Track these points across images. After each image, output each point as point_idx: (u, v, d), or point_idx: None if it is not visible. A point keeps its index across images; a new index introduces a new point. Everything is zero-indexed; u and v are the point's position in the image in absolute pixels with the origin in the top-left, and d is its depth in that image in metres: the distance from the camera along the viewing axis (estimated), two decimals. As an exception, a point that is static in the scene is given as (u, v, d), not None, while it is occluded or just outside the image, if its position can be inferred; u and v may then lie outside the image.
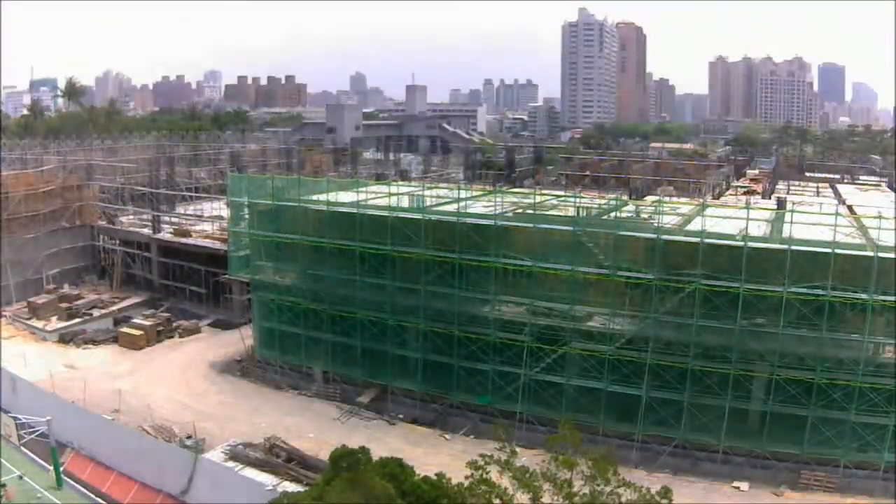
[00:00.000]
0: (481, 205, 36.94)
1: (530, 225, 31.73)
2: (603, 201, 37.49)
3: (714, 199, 54.28)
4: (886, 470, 27.90)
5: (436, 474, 20.09)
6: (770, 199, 55.73)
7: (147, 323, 45.15)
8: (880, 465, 28.02)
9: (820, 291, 26.87)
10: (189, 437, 30.54)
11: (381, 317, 34.76)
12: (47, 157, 67.39)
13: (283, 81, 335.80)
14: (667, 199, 44.87)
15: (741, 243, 27.94)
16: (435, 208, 34.94)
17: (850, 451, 28.02)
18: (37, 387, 34.32)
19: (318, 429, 32.74)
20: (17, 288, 49.71)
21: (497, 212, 33.92)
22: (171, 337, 45.35)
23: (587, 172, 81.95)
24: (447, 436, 32.91)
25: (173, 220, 56.50)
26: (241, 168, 71.43)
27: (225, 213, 45.08)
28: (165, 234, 53.11)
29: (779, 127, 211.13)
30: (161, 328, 45.23)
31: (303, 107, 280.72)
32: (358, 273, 34.75)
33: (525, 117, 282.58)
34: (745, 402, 29.24)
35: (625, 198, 44.36)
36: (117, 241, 55.50)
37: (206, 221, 54.51)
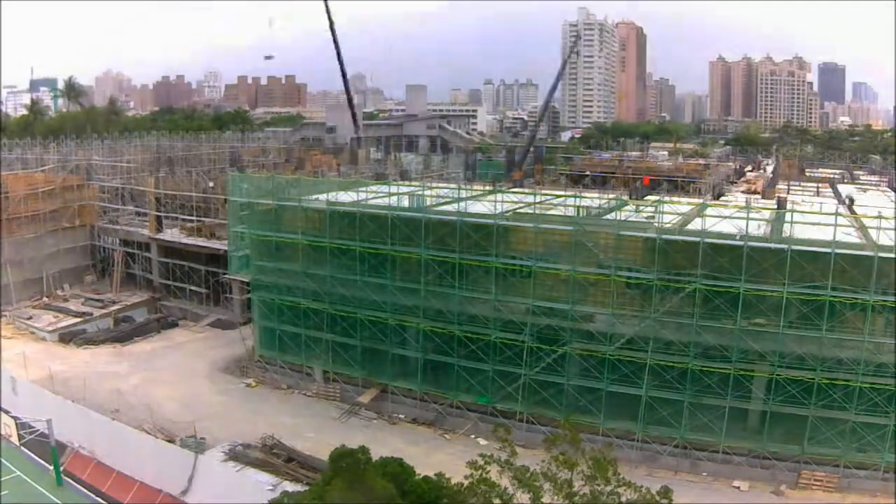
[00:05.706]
0: (481, 204, 36.91)
1: (530, 225, 31.74)
2: (603, 201, 37.46)
3: (714, 199, 54.19)
4: (886, 470, 27.91)
5: (436, 474, 20.10)
6: (770, 199, 55.61)
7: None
8: (880, 465, 28.05)
9: (820, 291, 26.90)
10: (189, 437, 30.53)
11: (381, 316, 34.78)
12: (47, 157, 67.32)
13: (283, 81, 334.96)
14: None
15: (741, 243, 27.94)
16: (435, 208, 34.95)
17: (850, 451, 28.05)
18: (37, 387, 34.28)
19: (318, 429, 32.72)
20: (17, 288, 49.71)
21: (497, 212, 33.93)
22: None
23: (587, 172, 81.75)
24: (447, 436, 32.94)
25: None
26: (241, 168, 71.42)
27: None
28: (166, 234, 53.10)
29: (779, 127, 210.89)
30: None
31: (303, 107, 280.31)
32: (358, 273, 34.75)
33: (525, 117, 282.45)
34: (745, 401, 29.29)
35: (625, 198, 44.32)
36: (117, 241, 55.51)
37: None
